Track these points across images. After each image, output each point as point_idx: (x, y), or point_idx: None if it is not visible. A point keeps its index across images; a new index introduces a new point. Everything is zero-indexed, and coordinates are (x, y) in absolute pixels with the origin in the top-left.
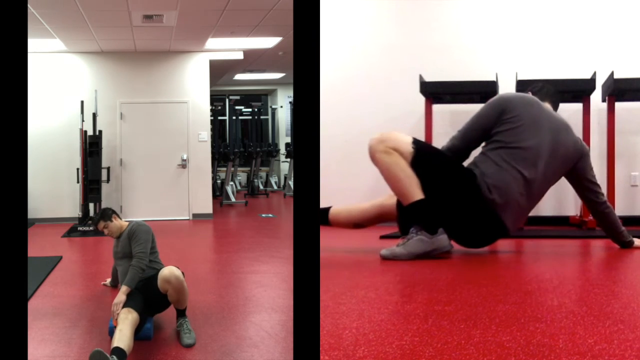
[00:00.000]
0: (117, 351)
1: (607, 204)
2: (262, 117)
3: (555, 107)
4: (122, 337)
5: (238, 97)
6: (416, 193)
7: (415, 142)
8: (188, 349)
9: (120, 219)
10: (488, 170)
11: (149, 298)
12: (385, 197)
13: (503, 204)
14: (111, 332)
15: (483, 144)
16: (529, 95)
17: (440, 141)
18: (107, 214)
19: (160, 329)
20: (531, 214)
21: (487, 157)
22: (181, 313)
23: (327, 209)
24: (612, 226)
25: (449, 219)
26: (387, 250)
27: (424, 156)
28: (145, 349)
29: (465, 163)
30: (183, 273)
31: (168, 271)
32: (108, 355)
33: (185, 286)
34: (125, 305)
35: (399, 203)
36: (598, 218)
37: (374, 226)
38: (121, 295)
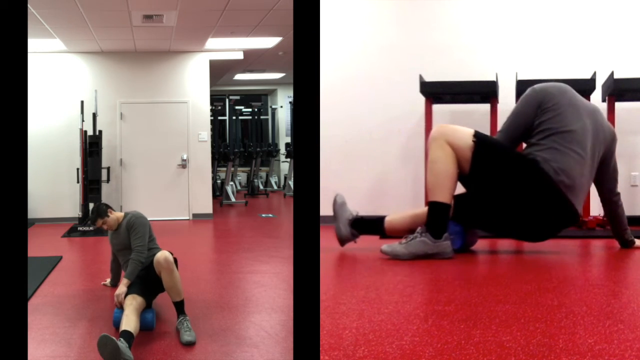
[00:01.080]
0: (125, 334)
1: (620, 197)
2: (262, 117)
3: None
4: (129, 322)
5: (238, 97)
6: (445, 195)
7: (477, 134)
8: (188, 349)
9: (115, 211)
10: (549, 156)
11: (150, 281)
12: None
13: (571, 185)
14: (115, 322)
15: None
16: (560, 83)
17: None
18: (103, 210)
19: (161, 328)
20: None
21: (542, 145)
22: (180, 309)
23: (381, 219)
24: (619, 220)
25: (510, 213)
26: (388, 247)
27: (485, 148)
28: (146, 348)
29: None
30: (176, 259)
31: (160, 254)
32: (114, 338)
33: (175, 270)
34: (128, 292)
35: (455, 204)
36: (609, 208)
37: None
38: (122, 287)
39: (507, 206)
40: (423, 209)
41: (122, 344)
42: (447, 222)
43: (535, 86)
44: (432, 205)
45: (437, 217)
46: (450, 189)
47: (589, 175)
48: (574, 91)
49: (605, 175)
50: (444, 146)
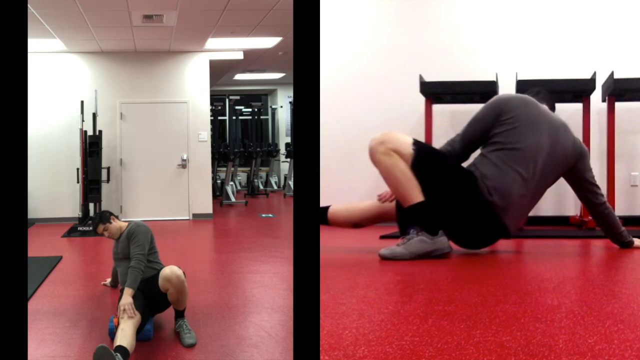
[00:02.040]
0: (121, 349)
1: (606, 205)
2: (262, 117)
3: (552, 109)
4: (125, 336)
5: (238, 97)
6: (416, 195)
7: (416, 143)
8: (188, 349)
9: (119, 220)
10: (488, 172)
11: (150, 298)
12: None
13: (503, 205)
14: (111, 332)
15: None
16: (526, 95)
17: (440, 141)
18: (106, 217)
19: (160, 329)
20: (531, 213)
21: (486, 159)
22: (180, 314)
23: (325, 208)
24: (612, 227)
25: (448, 221)
26: (387, 250)
27: (424, 157)
28: (145, 349)
29: (465, 164)
30: (184, 273)
31: (169, 270)
32: (112, 352)
33: (185, 286)
34: None
35: (398, 203)
36: (597, 219)
37: (374, 226)
38: (127, 297)
39: (445, 214)
40: (369, 202)
41: (119, 358)
42: (435, 218)
43: (501, 95)
44: (413, 209)
45: (424, 216)
46: (417, 187)
47: (532, 195)
48: (539, 105)
49: (581, 190)
50: (389, 153)
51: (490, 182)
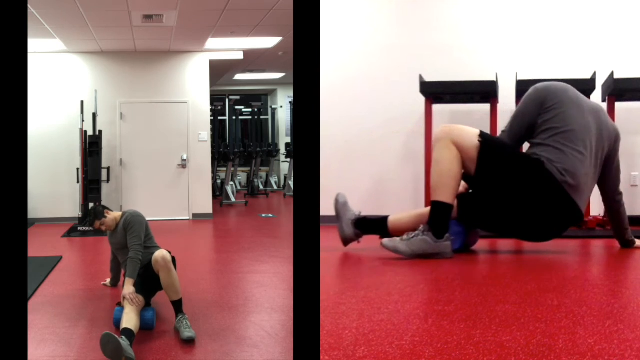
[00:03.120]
0: (127, 331)
1: (622, 196)
2: (262, 117)
3: None
4: (129, 320)
5: (238, 97)
6: (448, 196)
7: (482, 134)
8: (188, 349)
9: (112, 212)
10: (553, 156)
11: (149, 280)
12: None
13: (575, 185)
14: (116, 322)
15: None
16: (560, 83)
17: None
18: (100, 212)
19: (161, 324)
20: None
21: (545, 146)
22: (178, 308)
23: (385, 219)
24: (621, 220)
25: (518, 213)
26: (389, 241)
27: (492, 148)
28: (145, 349)
29: None
30: (174, 258)
31: (158, 253)
32: (117, 337)
33: (172, 268)
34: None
35: (458, 203)
36: (610, 207)
37: None
38: (130, 287)
39: (512, 207)
40: (427, 208)
41: (124, 341)
42: (448, 223)
43: (538, 85)
44: (435, 205)
45: (439, 217)
46: (453, 189)
47: (593, 174)
48: (576, 90)
49: (609, 174)
50: (449, 146)
51: (559, 164)
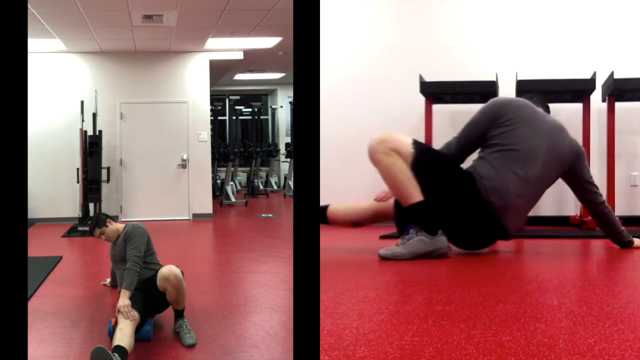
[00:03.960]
0: (119, 349)
1: (605, 204)
2: (262, 117)
3: (547, 112)
4: (123, 336)
5: (238, 97)
6: (415, 195)
7: (416, 143)
8: (188, 349)
9: (115, 222)
10: (485, 173)
11: (149, 298)
12: None
13: (502, 206)
14: (110, 333)
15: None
16: (521, 98)
17: (440, 141)
18: (102, 220)
19: (160, 329)
20: (531, 213)
21: (484, 161)
22: (179, 314)
23: (325, 207)
24: (612, 226)
25: (447, 222)
26: (386, 250)
27: (424, 157)
28: (145, 349)
29: (464, 166)
30: (182, 272)
31: (167, 269)
32: (110, 352)
33: (184, 285)
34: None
35: (396, 203)
36: (597, 218)
37: (374, 226)
38: (125, 300)
39: (444, 214)
40: (368, 202)
41: (116, 358)
42: (434, 218)
43: (496, 99)
44: (413, 208)
45: (423, 216)
46: (416, 186)
47: (530, 195)
48: (534, 107)
49: (579, 191)
50: (389, 152)
51: (488, 182)
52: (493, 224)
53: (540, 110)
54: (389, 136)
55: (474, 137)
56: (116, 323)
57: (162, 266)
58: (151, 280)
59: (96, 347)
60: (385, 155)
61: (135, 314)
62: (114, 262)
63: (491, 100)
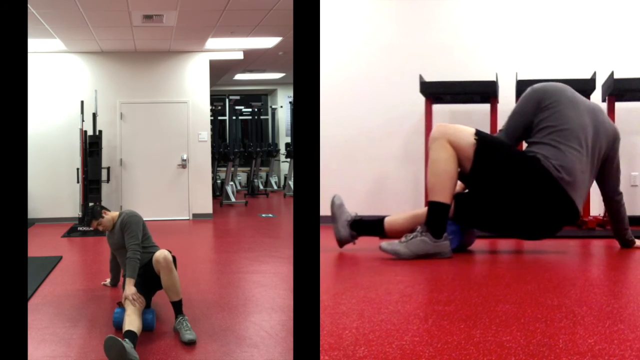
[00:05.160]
0: (130, 334)
1: (622, 197)
2: (262, 117)
3: None
4: (132, 322)
5: (238, 97)
6: (445, 195)
7: (478, 133)
8: (188, 349)
9: (109, 211)
10: (549, 153)
11: (148, 279)
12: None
13: (572, 182)
14: (115, 322)
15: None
16: (558, 83)
17: None
18: (97, 212)
19: (161, 324)
20: None
21: (541, 144)
22: (178, 309)
23: (381, 219)
24: (621, 220)
25: (512, 212)
26: (387, 244)
27: (488, 146)
28: (146, 349)
29: None
30: (175, 258)
31: (159, 253)
32: (121, 340)
33: (173, 269)
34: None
35: (454, 204)
36: (611, 207)
37: None
38: (131, 287)
39: (509, 205)
40: (423, 209)
41: (127, 344)
42: (446, 222)
43: (535, 85)
44: (432, 205)
45: (437, 217)
46: (450, 189)
47: (590, 172)
48: (573, 90)
49: (609, 174)
50: (445, 146)
51: (555, 160)
52: (566, 203)
53: (576, 92)
54: (449, 127)
55: (522, 125)
56: (122, 310)
57: (158, 248)
58: (150, 263)
59: (108, 337)
60: (441, 148)
61: (142, 299)
62: (113, 249)
63: (530, 88)
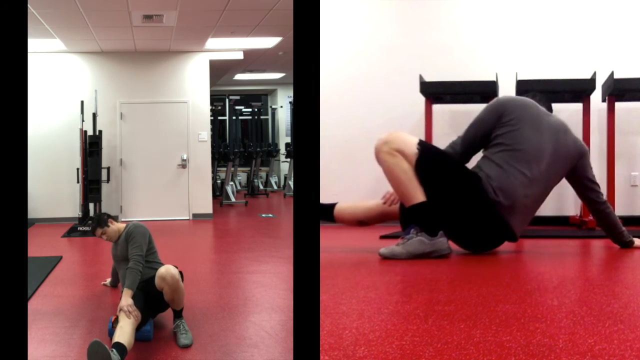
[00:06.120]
0: (118, 346)
1: (607, 204)
2: (262, 117)
3: (549, 111)
4: (123, 334)
5: (238, 97)
6: (417, 195)
7: (421, 143)
8: (188, 350)
9: (116, 222)
10: (492, 173)
11: (150, 297)
12: None
13: (509, 206)
14: (110, 332)
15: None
16: (525, 97)
17: (440, 142)
18: (103, 220)
19: (160, 329)
20: None
21: (490, 160)
22: (177, 314)
23: (332, 205)
24: (612, 226)
25: (453, 223)
26: (386, 249)
27: (429, 157)
28: (145, 349)
29: (468, 167)
30: (181, 272)
31: (165, 269)
32: (106, 346)
33: (181, 285)
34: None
35: (401, 203)
36: (598, 218)
37: (375, 226)
38: (127, 299)
39: (449, 215)
40: (375, 201)
41: (114, 355)
42: (435, 219)
43: (500, 97)
44: (414, 209)
45: (424, 217)
46: (417, 186)
47: (537, 195)
48: (539, 107)
49: (581, 189)
50: (392, 152)
51: (495, 182)
52: (500, 224)
53: (543, 109)
54: (394, 136)
55: (479, 136)
56: (116, 321)
57: (163, 265)
58: (153, 279)
59: (93, 342)
60: (389, 156)
61: (137, 313)
62: (115, 261)
63: (495, 99)
